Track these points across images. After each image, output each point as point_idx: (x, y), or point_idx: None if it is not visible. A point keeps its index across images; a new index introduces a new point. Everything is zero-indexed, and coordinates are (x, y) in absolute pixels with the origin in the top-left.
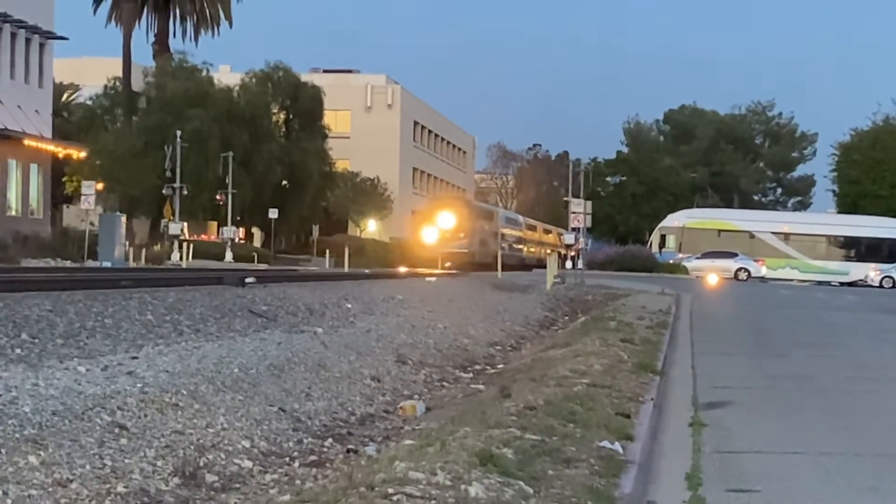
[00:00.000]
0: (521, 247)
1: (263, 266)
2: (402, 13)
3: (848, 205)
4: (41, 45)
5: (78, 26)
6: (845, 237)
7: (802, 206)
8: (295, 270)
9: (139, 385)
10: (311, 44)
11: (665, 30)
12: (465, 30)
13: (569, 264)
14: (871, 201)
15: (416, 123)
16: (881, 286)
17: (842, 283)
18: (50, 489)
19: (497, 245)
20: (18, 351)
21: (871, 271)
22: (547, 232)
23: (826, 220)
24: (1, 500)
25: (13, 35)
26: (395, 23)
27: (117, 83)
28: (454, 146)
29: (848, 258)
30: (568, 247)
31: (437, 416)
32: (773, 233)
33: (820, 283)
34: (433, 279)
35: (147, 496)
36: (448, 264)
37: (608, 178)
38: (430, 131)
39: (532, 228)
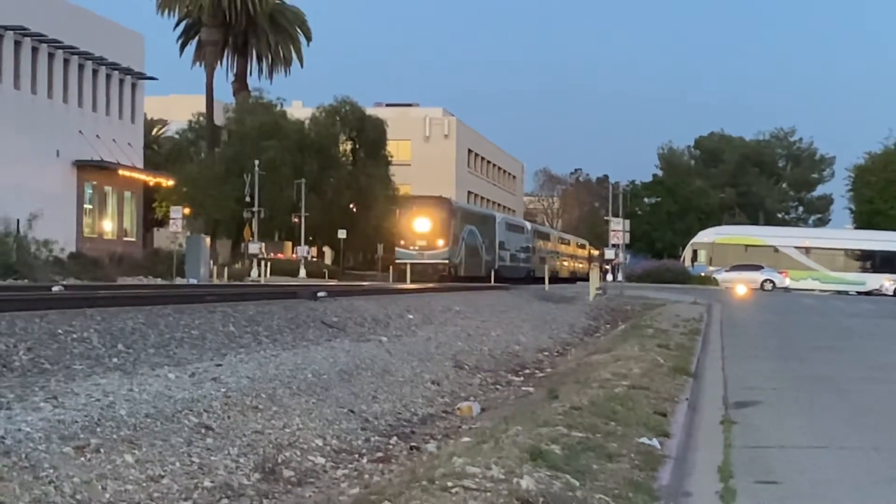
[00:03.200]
0: (527, 257)
1: (333, 281)
2: (455, 49)
3: (863, 221)
4: (133, 85)
5: (166, 67)
6: (861, 251)
7: (822, 222)
8: (362, 285)
9: (223, 390)
10: (375, 79)
11: (695, 61)
12: (512, 63)
13: (609, 277)
14: (884, 218)
15: (469, 151)
16: (894, 295)
17: (859, 293)
18: (144, 484)
19: (493, 256)
20: (115, 360)
21: (886, 281)
22: (564, 242)
23: (844, 236)
24: (100, 494)
25: (108, 76)
26: (449, 58)
27: (201, 118)
28: (504, 171)
29: (864, 270)
30: (608, 260)
31: (491, 416)
32: (795, 247)
33: (839, 292)
34: (487, 292)
35: (231, 490)
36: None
37: (645, 199)
38: (482, 158)
39: (545, 237)
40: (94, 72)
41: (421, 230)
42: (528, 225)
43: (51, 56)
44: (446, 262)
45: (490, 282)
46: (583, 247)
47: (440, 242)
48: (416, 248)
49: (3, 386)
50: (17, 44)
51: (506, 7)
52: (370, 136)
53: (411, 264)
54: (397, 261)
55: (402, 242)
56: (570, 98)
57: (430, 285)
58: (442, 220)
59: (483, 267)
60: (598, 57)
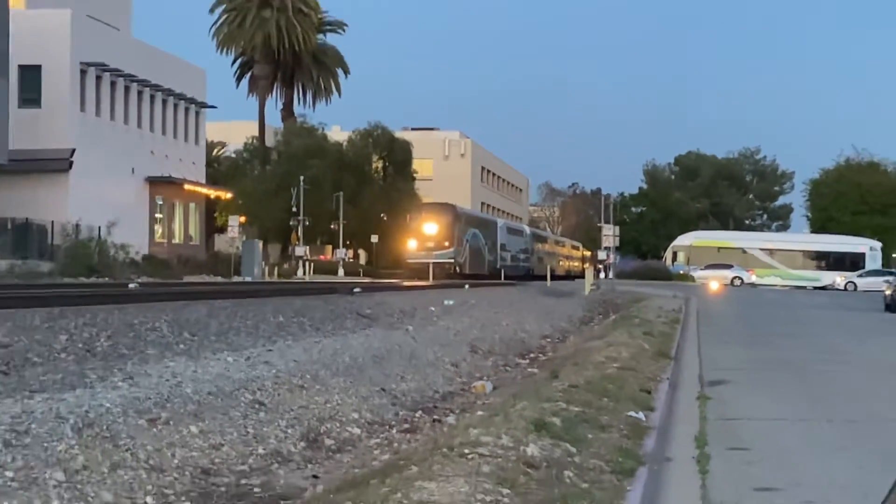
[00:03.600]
0: (526, 257)
1: (367, 279)
2: (469, 78)
3: (818, 227)
4: (196, 113)
5: (224, 96)
6: (817, 252)
7: (783, 228)
8: (391, 283)
9: (273, 371)
10: (401, 105)
11: (677, 88)
12: (518, 89)
13: (602, 275)
14: (836, 224)
15: (482, 168)
16: (845, 289)
17: (815, 288)
18: (206, 451)
19: (495, 256)
20: (182, 346)
21: (838, 277)
22: (560, 244)
23: (801, 239)
24: (169, 460)
25: (175, 105)
26: (464, 86)
27: (254, 141)
28: (512, 185)
29: (819, 268)
30: (601, 260)
31: (501, 393)
32: (760, 249)
33: (797, 287)
34: (498, 288)
35: (280, 456)
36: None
37: (632, 208)
38: (493, 174)
39: (542, 240)
40: (164, 101)
41: (429, 233)
42: (528, 229)
43: (127, 88)
44: (452, 261)
45: (500, 279)
46: (577, 248)
47: (446, 244)
48: (426, 249)
49: (88, 368)
50: (99, 78)
51: (513, 42)
52: (398, 156)
53: (421, 263)
54: (409, 261)
55: (413, 245)
56: (568, 120)
57: (448, 282)
58: (447, 223)
59: (486, 266)
60: (593, 84)
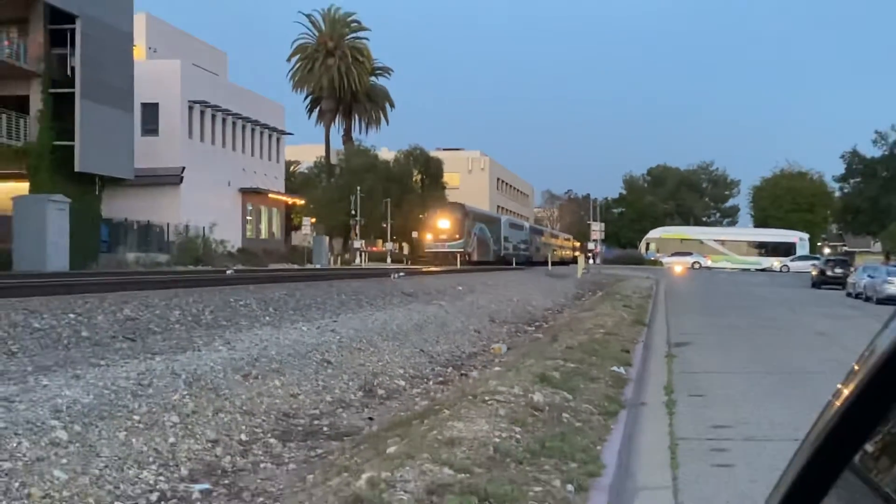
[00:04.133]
0: (525, 247)
1: (408, 266)
2: (487, 105)
3: (759, 223)
4: (277, 138)
5: (298, 125)
6: (758, 242)
7: (732, 223)
8: (428, 269)
9: (338, 337)
10: (435, 127)
11: (649, 111)
12: (527, 113)
13: (591, 261)
14: (773, 220)
15: (498, 179)
16: (780, 271)
17: (757, 270)
18: (287, 399)
19: (500, 246)
20: (267, 318)
21: (775, 262)
22: (554, 236)
23: (746, 232)
24: (258, 406)
25: (261, 132)
26: (483, 111)
27: (322, 160)
28: (521, 192)
29: (760, 254)
30: (590, 250)
31: (513, 353)
32: (714, 240)
33: (744, 269)
34: (510, 272)
35: (344, 403)
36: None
37: (614, 210)
38: (506, 183)
39: (539, 233)
40: (252, 130)
41: (443, 227)
42: (527, 225)
43: (224, 120)
44: (462, 250)
45: (503, 265)
46: (568, 240)
47: (457, 236)
48: (440, 240)
49: (195, 336)
50: (202, 112)
51: (521, 76)
52: (432, 170)
53: (437, 252)
54: (427, 250)
55: (430, 237)
56: (565, 138)
57: (471, 267)
58: (458, 219)
59: (491, 254)
60: (584, 109)
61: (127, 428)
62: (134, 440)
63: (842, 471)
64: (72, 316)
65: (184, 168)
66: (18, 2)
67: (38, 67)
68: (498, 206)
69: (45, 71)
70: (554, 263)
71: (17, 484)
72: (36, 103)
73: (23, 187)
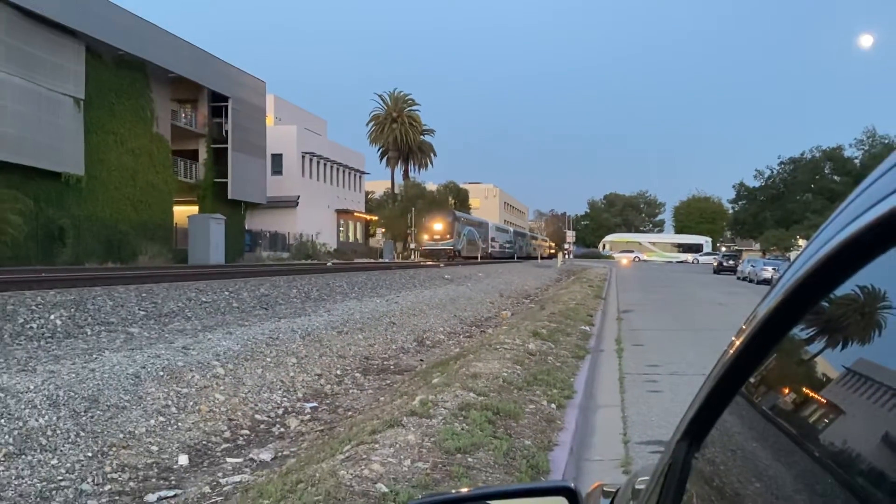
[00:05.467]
0: (511, 246)
1: (445, 261)
2: (497, 144)
3: (678, 230)
4: (359, 176)
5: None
6: (678, 243)
7: (660, 231)
8: (461, 263)
9: (399, 307)
10: (463, 163)
11: (610, 148)
12: (524, 150)
13: (566, 256)
14: (687, 229)
15: (504, 203)
16: (693, 263)
17: (678, 262)
18: (366, 347)
19: (487, 245)
20: (353, 294)
21: (689, 257)
22: (534, 238)
23: (670, 237)
24: (348, 351)
25: (349, 173)
26: (495, 149)
27: (388, 190)
28: (520, 210)
29: (680, 251)
30: (565, 248)
31: (516, 317)
32: (649, 242)
33: (668, 262)
34: (513, 263)
35: (404, 349)
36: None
37: (582, 222)
38: (510, 205)
39: (521, 236)
40: (343, 170)
41: (437, 229)
42: (511, 229)
43: (324, 164)
44: (451, 248)
45: (514, 259)
46: (545, 241)
47: (448, 236)
48: (434, 239)
49: (308, 306)
50: (311, 159)
51: (519, 122)
52: (461, 197)
53: (430, 249)
54: (423, 248)
55: (426, 237)
56: (548, 168)
57: (489, 260)
58: (448, 222)
59: (480, 251)
60: (565, 146)
61: (262, 366)
62: (267, 374)
63: (734, 395)
64: (226, 293)
65: (299, 196)
66: (191, 89)
67: (203, 131)
68: (504, 220)
69: (208, 133)
70: (541, 258)
71: (191, 402)
72: (202, 155)
73: (194, 209)
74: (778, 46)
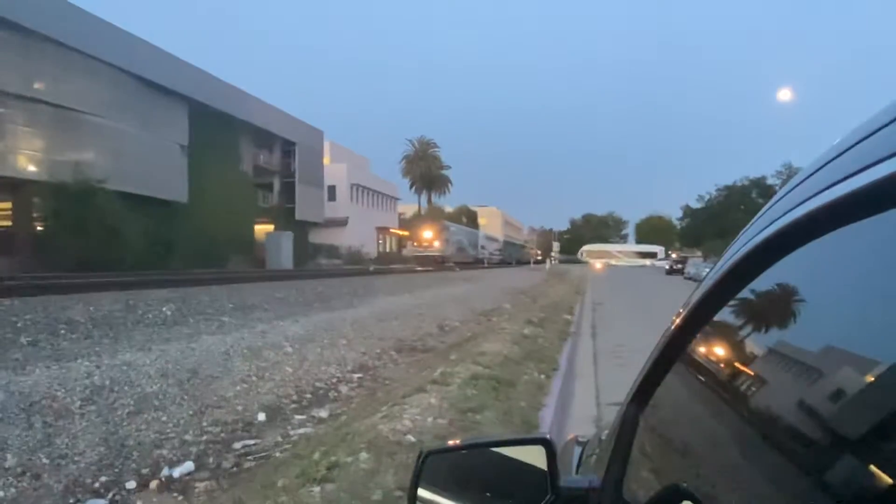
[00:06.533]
0: (500, 253)
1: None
2: (499, 169)
3: (640, 241)
4: (395, 201)
5: (404, 194)
6: (639, 251)
7: (625, 242)
8: (471, 267)
9: (423, 301)
10: (471, 186)
11: (588, 175)
12: (522, 173)
13: (553, 261)
14: (646, 240)
15: (505, 221)
16: (650, 266)
17: (639, 266)
18: (399, 331)
19: (476, 252)
20: (389, 292)
21: (647, 262)
22: (522, 247)
23: (633, 247)
24: (384, 333)
25: (386, 199)
26: (498, 174)
27: (416, 212)
28: (517, 227)
29: (640, 258)
30: (552, 256)
31: (514, 308)
32: (616, 251)
33: (632, 266)
34: (514, 267)
35: (429, 333)
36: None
37: (565, 236)
38: (509, 223)
39: (511, 245)
40: (382, 197)
41: (426, 237)
42: (500, 238)
43: (368, 192)
44: (439, 254)
45: (512, 264)
46: (532, 248)
47: (436, 243)
48: (423, 246)
49: (355, 301)
50: (358, 189)
51: (515, 149)
52: (472, 218)
53: (420, 255)
54: (414, 254)
55: (415, 244)
56: (540, 190)
57: (493, 264)
58: (437, 230)
59: (469, 259)
60: (551, 171)
61: (320, 346)
62: (324, 352)
63: (672, 365)
64: (294, 291)
65: (348, 217)
66: (268, 137)
67: (277, 169)
68: (506, 234)
69: (280, 170)
70: (526, 263)
71: (267, 373)
72: (276, 186)
73: (270, 227)
74: (719, 98)
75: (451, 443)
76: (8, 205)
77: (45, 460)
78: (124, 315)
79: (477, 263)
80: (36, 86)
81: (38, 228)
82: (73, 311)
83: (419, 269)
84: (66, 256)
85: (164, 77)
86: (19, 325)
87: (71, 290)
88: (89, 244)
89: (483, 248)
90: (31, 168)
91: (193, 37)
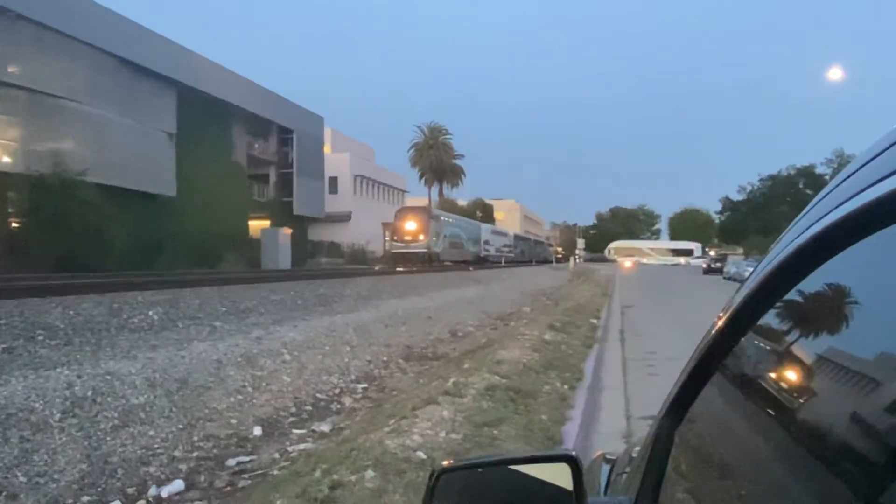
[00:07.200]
0: (510, 249)
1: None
2: (520, 161)
3: (673, 238)
4: (402, 193)
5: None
6: (673, 249)
7: (657, 238)
8: (488, 266)
9: (435, 304)
10: (487, 179)
11: (613, 169)
12: (538, 165)
13: (577, 260)
14: (680, 236)
15: (524, 216)
16: (685, 265)
17: (672, 265)
18: (407, 337)
19: (479, 248)
20: (396, 294)
21: (682, 260)
22: (539, 243)
23: (666, 244)
24: (391, 340)
25: (393, 191)
26: (515, 167)
27: (426, 206)
28: (537, 222)
29: (674, 255)
30: (577, 252)
31: (533, 311)
32: (648, 248)
33: (664, 265)
34: (534, 266)
35: (439, 339)
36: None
37: (591, 231)
38: (528, 218)
39: (524, 240)
40: (388, 189)
41: (408, 229)
42: (511, 233)
43: (373, 185)
44: (425, 250)
45: (532, 263)
46: (551, 245)
47: (421, 237)
48: (404, 241)
49: (359, 304)
50: (361, 181)
51: (535, 143)
52: (487, 211)
53: (401, 253)
54: (391, 251)
55: (395, 238)
56: (563, 183)
57: (511, 263)
58: (423, 221)
59: (468, 256)
60: (574, 162)
61: (322, 353)
62: (325, 360)
63: (711, 375)
64: (292, 293)
65: (351, 212)
66: (263, 124)
67: (273, 159)
68: (525, 230)
69: (277, 161)
70: (547, 262)
71: (264, 383)
72: (272, 178)
73: (265, 223)
74: (759, 78)
75: (465, 460)
76: None
77: (22, 478)
78: (107, 319)
79: (458, 263)
80: (10, 69)
81: (14, 225)
82: (51, 316)
83: (401, 269)
84: (45, 255)
85: (149, 59)
86: None
87: (49, 292)
88: (69, 242)
89: (488, 243)
90: (5, 159)
91: (186, 20)
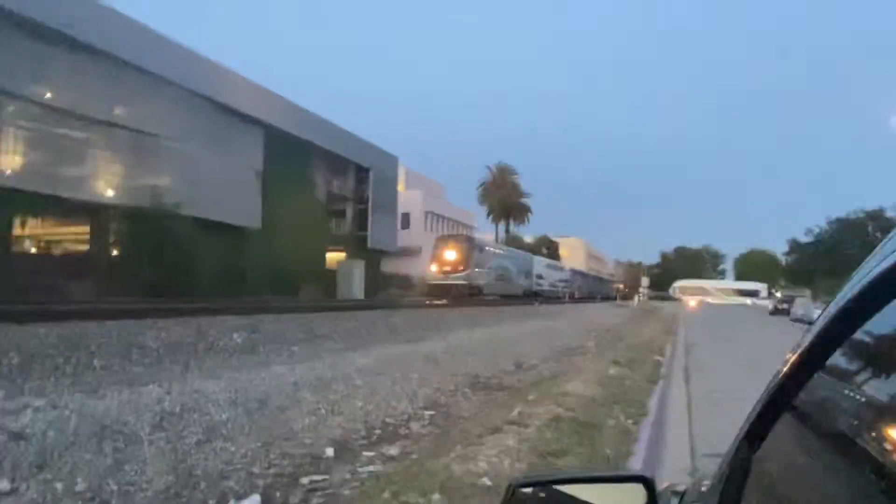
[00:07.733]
0: (565, 284)
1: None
2: (586, 200)
3: (738, 278)
4: (470, 230)
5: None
6: (739, 289)
7: (723, 278)
8: (558, 301)
9: (502, 335)
10: (552, 216)
11: (676, 209)
12: (605, 205)
13: (641, 297)
14: (746, 276)
15: (588, 253)
16: (751, 305)
17: (737, 305)
18: (473, 367)
19: (531, 282)
20: (465, 325)
21: (748, 300)
22: (599, 280)
23: (732, 284)
24: (459, 370)
25: (459, 227)
26: (584, 205)
27: (484, 238)
28: (601, 260)
29: (741, 295)
30: (641, 290)
31: (597, 347)
32: (714, 288)
33: (731, 306)
34: (599, 303)
35: (504, 371)
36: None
37: (655, 269)
38: (593, 255)
39: (582, 276)
40: (457, 225)
41: (448, 258)
42: (567, 267)
43: (443, 220)
44: (467, 282)
45: (597, 300)
46: (619, 282)
47: (461, 268)
48: (444, 272)
49: (427, 334)
50: (432, 217)
51: (598, 181)
52: (553, 249)
53: (440, 284)
54: (431, 282)
55: (435, 268)
56: (628, 221)
57: (576, 301)
58: (464, 250)
59: (516, 289)
60: (638, 201)
61: (391, 380)
62: (394, 386)
63: (783, 410)
64: (364, 321)
65: (421, 247)
66: (342, 163)
67: (350, 195)
68: (589, 267)
69: (353, 197)
70: (611, 299)
71: (335, 407)
72: (349, 213)
73: (342, 256)
74: (828, 118)
75: (541, 475)
76: (86, 228)
77: (113, 486)
78: (195, 341)
79: (506, 297)
80: (115, 111)
81: (114, 253)
82: (145, 337)
83: (437, 302)
84: (141, 281)
85: (239, 101)
86: (93, 348)
87: (144, 314)
88: (163, 269)
89: (541, 277)
90: (109, 192)
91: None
